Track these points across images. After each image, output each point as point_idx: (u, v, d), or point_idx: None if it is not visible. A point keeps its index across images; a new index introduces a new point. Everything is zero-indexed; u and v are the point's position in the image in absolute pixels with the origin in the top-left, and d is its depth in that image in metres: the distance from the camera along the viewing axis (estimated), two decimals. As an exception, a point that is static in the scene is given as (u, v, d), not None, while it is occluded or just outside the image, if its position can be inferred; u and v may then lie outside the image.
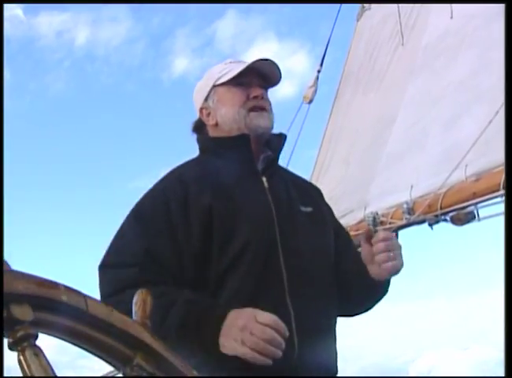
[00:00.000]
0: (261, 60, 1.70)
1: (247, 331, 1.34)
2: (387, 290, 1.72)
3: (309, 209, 1.70)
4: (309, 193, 1.81)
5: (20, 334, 0.75)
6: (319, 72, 4.82)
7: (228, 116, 1.70)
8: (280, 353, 1.33)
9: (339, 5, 4.88)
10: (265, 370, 1.41)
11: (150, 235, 1.56)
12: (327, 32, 4.92)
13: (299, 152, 4.40)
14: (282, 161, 1.83)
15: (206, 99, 1.76)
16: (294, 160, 3.90)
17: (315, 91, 4.74)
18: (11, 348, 0.76)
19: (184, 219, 1.55)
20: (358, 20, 5.14)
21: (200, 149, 1.80)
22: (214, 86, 1.75)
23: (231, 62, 1.77)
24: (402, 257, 1.61)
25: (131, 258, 1.54)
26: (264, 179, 1.68)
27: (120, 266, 1.54)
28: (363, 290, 1.70)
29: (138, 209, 1.64)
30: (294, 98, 4.74)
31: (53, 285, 0.79)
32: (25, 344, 0.75)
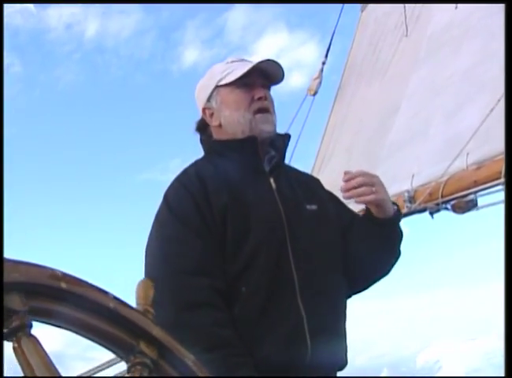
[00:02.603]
0: (265, 61, 1.69)
1: None
2: (400, 237, 1.72)
3: (314, 207, 1.71)
4: (311, 187, 1.82)
5: (14, 324, 0.68)
6: (324, 63, 4.82)
7: (233, 119, 1.70)
8: None
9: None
10: (279, 370, 1.50)
11: (197, 236, 1.56)
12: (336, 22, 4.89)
13: (303, 142, 4.42)
14: (286, 154, 1.81)
15: (209, 100, 1.75)
16: (297, 150, 3.92)
17: (320, 83, 4.73)
18: (7, 339, 0.70)
19: (211, 215, 1.57)
20: (362, 11, 5.14)
21: (206, 150, 1.80)
22: (217, 86, 1.73)
23: (233, 61, 1.76)
24: (386, 192, 1.61)
25: (197, 266, 1.53)
26: (271, 179, 1.69)
27: (189, 274, 1.53)
28: (375, 245, 1.69)
29: (171, 208, 1.62)
30: (304, 88, 4.74)
31: (50, 271, 0.72)
32: (20, 334, 0.69)
